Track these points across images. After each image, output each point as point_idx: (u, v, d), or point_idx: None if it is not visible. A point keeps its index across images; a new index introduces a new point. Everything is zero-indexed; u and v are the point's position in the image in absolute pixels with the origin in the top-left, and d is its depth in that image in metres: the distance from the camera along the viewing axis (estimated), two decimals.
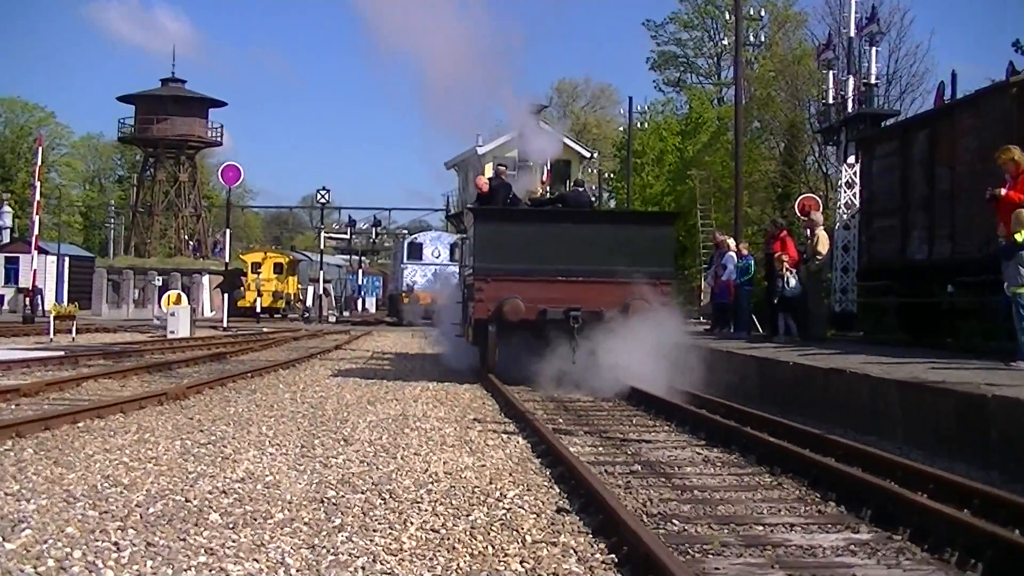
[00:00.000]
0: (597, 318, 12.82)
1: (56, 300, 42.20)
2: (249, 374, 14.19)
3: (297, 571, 4.53)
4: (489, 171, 25.07)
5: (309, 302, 49.80)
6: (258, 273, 48.60)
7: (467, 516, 5.55)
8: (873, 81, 21.37)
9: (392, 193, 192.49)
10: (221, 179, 36.00)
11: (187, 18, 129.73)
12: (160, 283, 47.41)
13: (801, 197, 25.36)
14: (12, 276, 49.24)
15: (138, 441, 7.97)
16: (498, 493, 6.15)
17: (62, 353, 16.98)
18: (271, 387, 12.88)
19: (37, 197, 30.69)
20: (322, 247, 49.14)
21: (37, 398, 10.79)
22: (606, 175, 57.24)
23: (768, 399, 11.28)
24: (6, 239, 54.69)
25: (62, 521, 5.24)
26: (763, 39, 45.58)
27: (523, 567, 4.62)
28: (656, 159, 48.11)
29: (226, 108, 72.70)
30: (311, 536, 5.10)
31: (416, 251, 41.10)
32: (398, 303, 40.86)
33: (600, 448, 8.17)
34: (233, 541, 4.96)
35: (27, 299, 34.79)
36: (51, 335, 23.53)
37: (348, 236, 62.57)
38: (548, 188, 18.54)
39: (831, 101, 22.09)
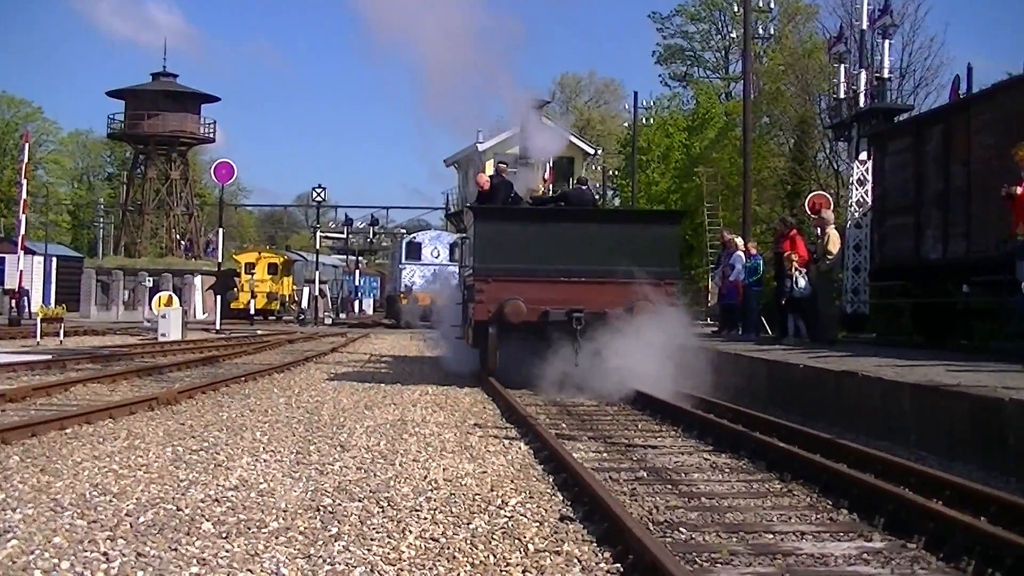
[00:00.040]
0: (600, 320, 12.81)
1: (43, 302, 42.19)
2: (243, 378, 14.18)
3: None
4: (490, 169, 25.08)
5: (304, 304, 49.85)
6: (252, 274, 48.60)
7: (468, 524, 5.55)
8: (886, 75, 21.41)
9: (390, 191, 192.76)
10: (214, 177, 36.08)
11: (179, 11, 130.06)
12: (151, 284, 47.41)
13: (811, 195, 25.40)
14: None
15: (128, 448, 7.96)
16: (499, 501, 6.15)
17: (49, 357, 16.98)
18: (265, 391, 12.88)
19: (23, 195, 30.76)
20: (318, 247, 49.14)
21: (23, 403, 10.79)
22: (610, 172, 57.23)
23: (778, 403, 11.28)
24: None
25: (49, 531, 5.23)
26: (772, 32, 45.59)
27: None
28: (662, 156, 48.11)
29: (219, 104, 73.06)
30: (307, 545, 5.09)
31: (415, 251, 41.12)
32: (396, 304, 40.87)
33: (604, 454, 8.16)
34: (226, 551, 4.95)
35: (13, 301, 34.85)
36: (38, 338, 23.54)
37: (345, 235, 62.63)
38: (550, 186, 18.51)
39: (842, 96, 22.12)
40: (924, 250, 14.92)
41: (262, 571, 4.64)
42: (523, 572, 4.68)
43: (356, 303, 60.78)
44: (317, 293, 47.59)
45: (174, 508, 5.81)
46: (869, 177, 19.52)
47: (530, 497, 6.27)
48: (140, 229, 63.14)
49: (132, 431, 8.88)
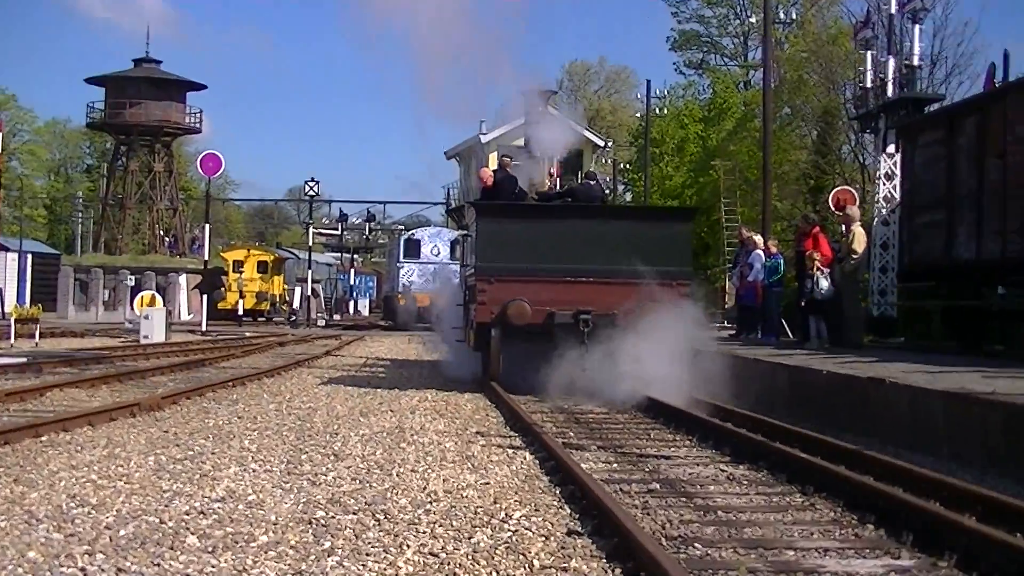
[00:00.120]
0: (609, 322, 12.81)
1: (17, 302, 42.23)
2: (230, 383, 14.21)
3: None
4: (493, 163, 25.10)
5: (296, 304, 49.89)
6: (240, 272, 48.67)
7: (469, 539, 5.55)
8: (916, 62, 21.34)
9: (387, 185, 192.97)
10: (200, 169, 36.11)
11: None
12: (132, 283, 47.54)
13: (836, 190, 25.35)
14: None
15: (108, 457, 7.97)
16: (503, 514, 6.15)
17: (24, 360, 17.01)
18: (254, 397, 12.89)
19: None
20: (310, 244, 49.22)
21: None
22: (621, 166, 57.30)
23: (799, 411, 11.27)
24: None
25: (23, 545, 5.24)
26: (795, 16, 45.65)
27: None
28: (676, 148, 48.16)
29: (206, 92, 73.17)
30: (298, 561, 5.09)
31: (413, 248, 41.16)
32: (393, 305, 40.94)
33: (615, 464, 8.16)
34: (212, 566, 4.95)
35: None
36: (11, 340, 23.56)
37: (339, 232, 62.68)
38: (558, 180, 18.50)
39: (869, 85, 22.09)
40: (956, 249, 14.90)
41: None
42: None
43: (351, 304, 60.87)
44: (310, 293, 47.66)
45: (157, 521, 5.81)
46: (897, 171, 19.50)
47: (535, 510, 6.27)
48: (121, 225, 63.30)
49: (112, 439, 8.89)
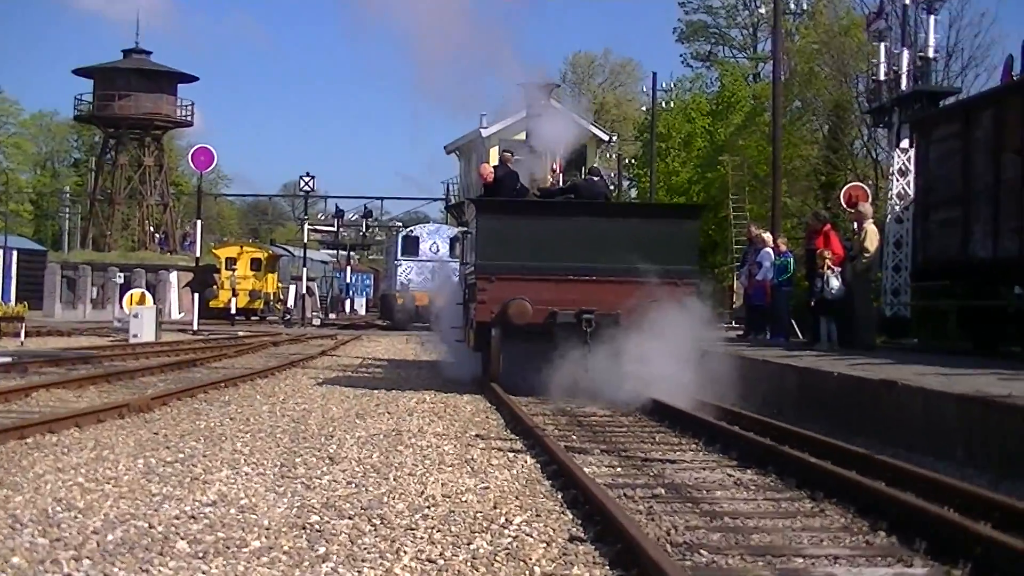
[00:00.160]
0: (613, 322, 12.84)
1: (2, 299, 42.36)
2: (222, 383, 14.22)
3: None
4: (495, 158, 25.10)
5: (291, 303, 49.93)
6: (233, 270, 48.70)
7: (468, 545, 5.55)
8: (931, 54, 21.35)
9: (385, 180, 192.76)
10: (192, 163, 36.11)
11: None
12: (122, 281, 47.46)
13: (847, 186, 25.34)
14: None
15: (95, 459, 7.97)
16: (503, 519, 6.15)
17: (9, 360, 17.00)
18: (247, 398, 12.90)
19: None
20: (305, 241, 49.22)
21: None
22: (626, 161, 57.25)
23: (809, 414, 11.27)
24: None
25: (7, 550, 5.23)
26: (806, 7, 45.57)
27: None
28: (683, 143, 48.11)
29: (197, 84, 73.01)
30: (291, 567, 5.09)
31: (411, 246, 41.20)
32: (391, 304, 40.95)
33: (618, 469, 8.16)
34: (203, 572, 4.96)
35: None
36: None
37: (335, 228, 62.70)
38: (560, 176, 18.51)
39: (883, 77, 22.09)
40: (972, 248, 14.89)
41: None
42: None
43: (347, 302, 60.89)
44: (304, 291, 47.70)
45: (146, 525, 5.81)
46: (911, 167, 19.51)
47: (537, 515, 6.28)
48: (110, 220, 63.34)
49: (100, 441, 8.89)
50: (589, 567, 5.15)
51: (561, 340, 12.90)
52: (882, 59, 22.17)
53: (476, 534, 5.78)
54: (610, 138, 54.25)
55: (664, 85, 51.75)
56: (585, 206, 14.51)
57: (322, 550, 5.39)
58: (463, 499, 6.74)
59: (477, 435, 9.85)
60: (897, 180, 20.84)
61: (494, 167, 15.98)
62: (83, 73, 65.10)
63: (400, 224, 61.79)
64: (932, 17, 21.62)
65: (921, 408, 9.28)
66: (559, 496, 6.88)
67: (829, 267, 15.79)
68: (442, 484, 7.24)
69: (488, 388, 13.48)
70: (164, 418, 10.67)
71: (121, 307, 33.47)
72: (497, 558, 5.29)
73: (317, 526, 5.90)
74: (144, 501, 6.47)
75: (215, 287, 47.46)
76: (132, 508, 6.26)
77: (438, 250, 39.85)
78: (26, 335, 24.88)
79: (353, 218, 63.81)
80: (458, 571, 5.04)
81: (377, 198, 65.24)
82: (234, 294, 44.82)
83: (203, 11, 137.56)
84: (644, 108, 55.60)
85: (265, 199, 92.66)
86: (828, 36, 40.70)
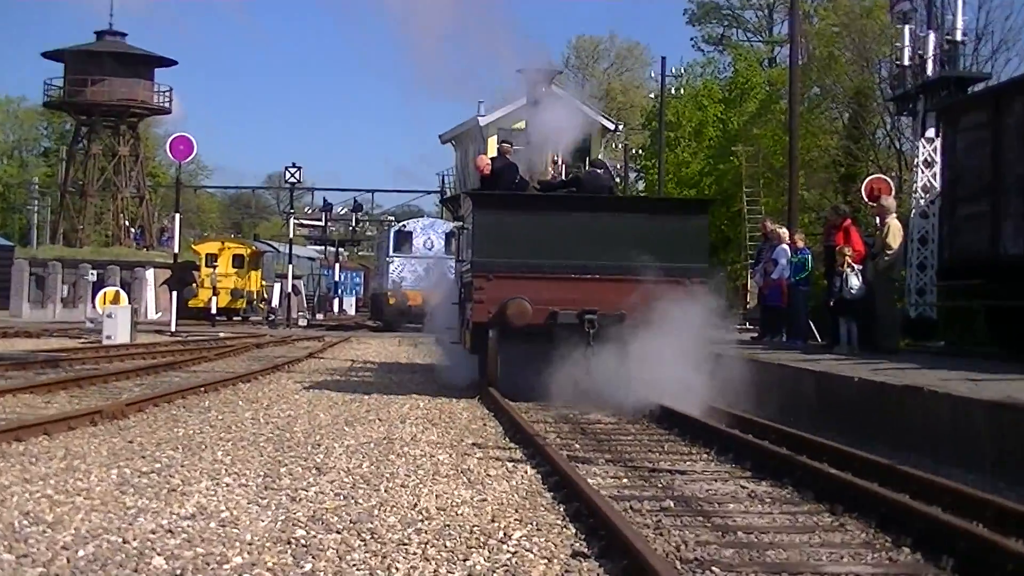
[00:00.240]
0: (617, 322, 12.87)
1: None
2: (202, 388, 14.21)
3: None
4: (493, 148, 25.11)
5: (275, 302, 49.96)
6: (214, 267, 48.69)
7: (464, 561, 5.54)
8: (959, 38, 21.37)
9: (376, 172, 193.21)
10: (169, 153, 36.07)
11: None
12: (94, 278, 47.57)
13: (869, 179, 25.38)
14: None
15: (66, 469, 7.97)
16: (501, 533, 6.15)
17: None
18: (228, 404, 12.90)
19: None
20: (291, 236, 49.24)
21: None
22: (633, 151, 57.31)
23: (828, 422, 11.27)
24: None
25: None
26: None
27: None
28: (694, 132, 48.17)
29: (176, 68, 72.91)
30: None
31: (404, 241, 41.23)
32: (382, 304, 40.99)
33: (624, 480, 8.17)
34: None
35: None
36: None
37: (323, 223, 62.71)
38: (562, 168, 18.51)
39: (907, 62, 22.09)
40: (1003, 244, 14.88)
41: None
42: None
43: (335, 302, 60.95)
44: (290, 290, 47.71)
45: (119, 540, 5.80)
46: (938, 158, 19.51)
47: (537, 530, 6.28)
48: (82, 214, 63.25)
49: (71, 450, 8.88)
50: None
51: (562, 342, 12.91)
52: (906, 42, 22.17)
53: (472, 549, 5.78)
54: (616, 127, 54.24)
55: (674, 70, 51.80)
56: (588, 200, 14.51)
57: (308, 567, 5.38)
58: (459, 512, 6.74)
59: (474, 443, 9.85)
60: (922, 172, 20.85)
61: (492, 158, 16.00)
62: (53, 56, 64.99)
63: (392, 218, 61.81)
64: None
65: (948, 416, 9.28)
66: (561, 509, 6.88)
67: (849, 265, 15.79)
68: (436, 496, 7.23)
69: (485, 393, 13.48)
70: (139, 425, 10.66)
71: (94, 306, 33.50)
72: (495, 575, 5.28)
73: (303, 541, 5.89)
74: (118, 514, 6.46)
75: (195, 285, 47.47)
76: (105, 522, 6.25)
77: (432, 246, 39.87)
78: None
79: (342, 212, 63.91)
80: None
81: (367, 191, 65.47)
82: (215, 293, 44.82)
83: None
84: (652, 95, 55.59)
85: (248, 191, 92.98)
86: (849, 18, 40.71)
